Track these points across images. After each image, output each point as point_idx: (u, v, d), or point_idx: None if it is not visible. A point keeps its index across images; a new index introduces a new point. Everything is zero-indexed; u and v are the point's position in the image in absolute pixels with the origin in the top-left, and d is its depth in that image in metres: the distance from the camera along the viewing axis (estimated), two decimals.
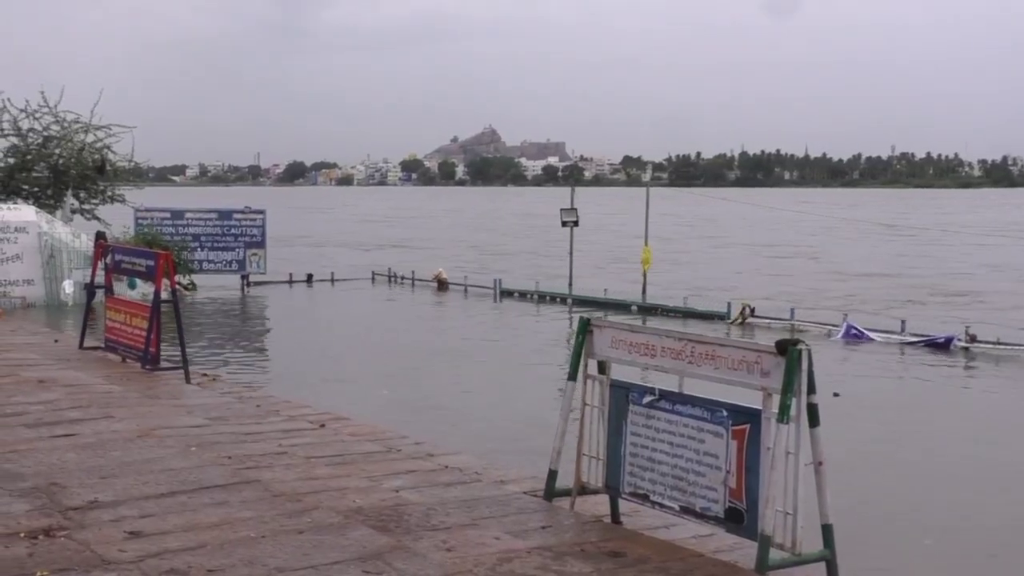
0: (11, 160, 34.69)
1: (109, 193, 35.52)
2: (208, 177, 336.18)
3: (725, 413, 6.19)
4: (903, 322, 26.87)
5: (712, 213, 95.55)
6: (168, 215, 35.72)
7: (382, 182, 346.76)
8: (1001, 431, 17.61)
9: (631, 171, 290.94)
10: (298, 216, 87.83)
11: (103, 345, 14.36)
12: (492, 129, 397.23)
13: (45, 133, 34.85)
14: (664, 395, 6.63)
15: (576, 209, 35.82)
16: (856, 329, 26.73)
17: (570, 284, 35.17)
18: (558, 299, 35.04)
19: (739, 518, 6.10)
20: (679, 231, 72.00)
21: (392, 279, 41.22)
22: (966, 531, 11.90)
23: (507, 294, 36.44)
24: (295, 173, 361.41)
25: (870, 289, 39.42)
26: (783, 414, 5.80)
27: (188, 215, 36.07)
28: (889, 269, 47.69)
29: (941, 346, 25.14)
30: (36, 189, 34.57)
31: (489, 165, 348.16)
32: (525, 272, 42.23)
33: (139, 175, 39.53)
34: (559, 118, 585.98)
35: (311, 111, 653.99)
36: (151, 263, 13.32)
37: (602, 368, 7.16)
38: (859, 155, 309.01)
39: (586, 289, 35.27)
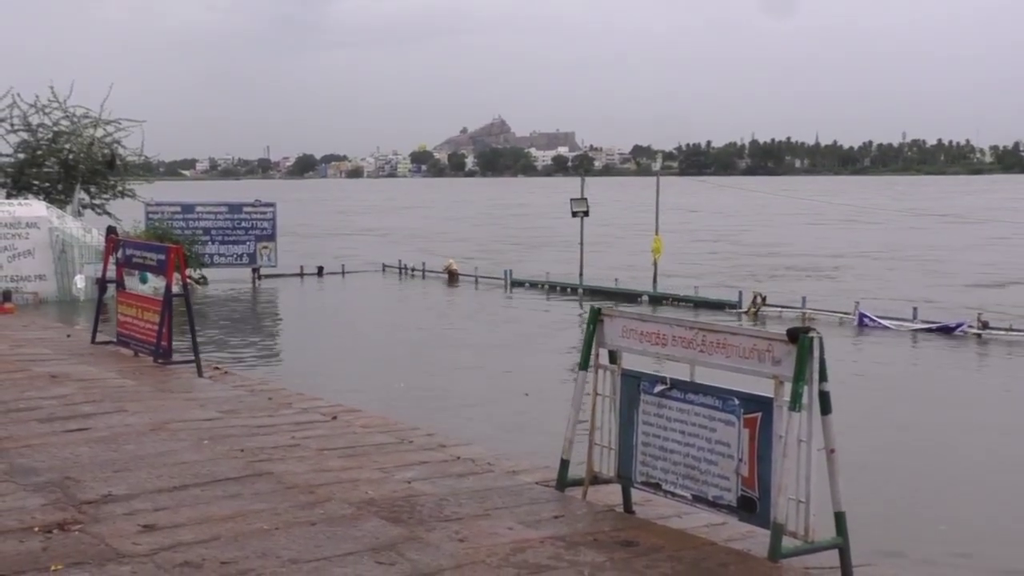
0: (21, 155, 34.78)
1: (119, 188, 35.59)
2: (218, 171, 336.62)
3: (737, 401, 6.18)
4: (915, 309, 26.85)
5: (695, 202, 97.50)
6: (178, 209, 35.84)
7: (392, 174, 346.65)
8: (1013, 416, 17.57)
9: (641, 161, 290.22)
10: (295, 209, 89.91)
11: (115, 339, 14.39)
12: (501, 120, 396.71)
13: (55, 128, 34.91)
14: (675, 384, 6.62)
15: (586, 199, 35.83)
16: (868, 317, 26.72)
17: (580, 274, 35.16)
18: (568, 289, 35.04)
19: (751, 506, 6.08)
20: (636, 217, 75.54)
21: (402, 271, 41.25)
22: (979, 518, 11.88)
23: (517, 285, 36.45)
24: (305, 166, 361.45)
25: (745, 265, 43.56)
26: (795, 402, 5.78)
27: (198, 209, 36.19)
28: (786, 249, 52.07)
29: (951, 330, 25.22)
30: (47, 184, 34.66)
31: (499, 156, 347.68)
32: (492, 260, 42.67)
33: (149, 169, 39.68)
34: (569, 109, 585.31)
35: (320, 104, 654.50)
36: (162, 257, 13.35)
37: (613, 358, 7.14)
38: (870, 142, 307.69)
39: (596, 279, 35.28)
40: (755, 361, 6.09)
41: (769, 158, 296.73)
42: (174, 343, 13.58)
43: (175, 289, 13.11)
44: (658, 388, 6.70)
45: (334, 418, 10.01)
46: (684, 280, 34.83)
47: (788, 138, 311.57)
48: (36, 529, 6.21)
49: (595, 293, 33.05)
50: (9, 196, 32.01)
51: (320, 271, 40.27)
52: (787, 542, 5.89)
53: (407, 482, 7.51)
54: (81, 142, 34.53)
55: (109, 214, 34.44)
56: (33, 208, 28.09)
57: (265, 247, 36.57)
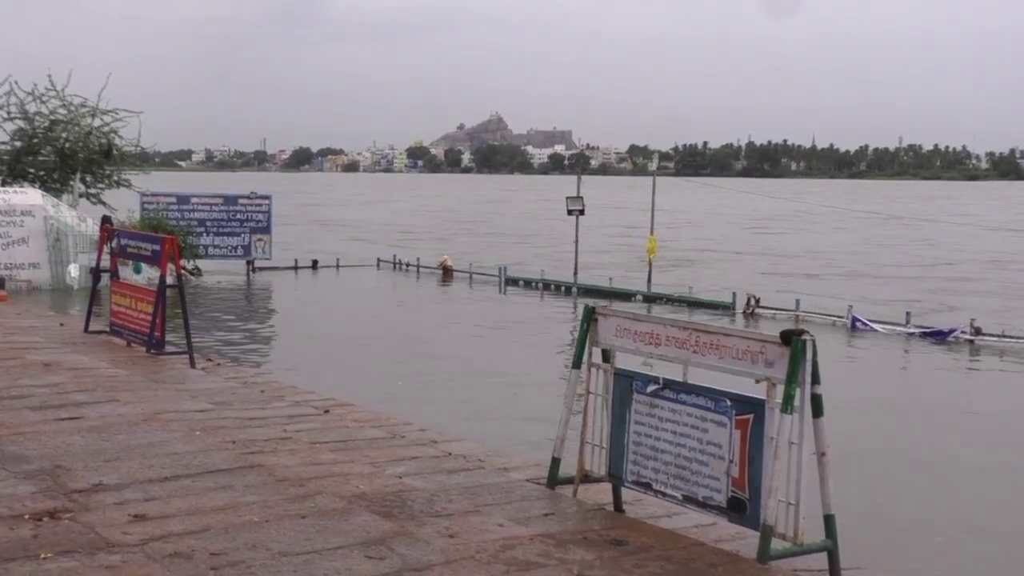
0: (17, 143, 34.68)
1: (115, 177, 35.51)
2: (214, 162, 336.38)
3: (729, 403, 6.18)
4: (908, 314, 26.92)
5: (660, 202, 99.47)
6: (174, 200, 35.75)
7: (388, 169, 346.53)
8: (1006, 425, 17.60)
9: (638, 160, 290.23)
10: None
11: (108, 329, 14.37)
12: (499, 116, 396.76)
13: (52, 117, 34.79)
14: (668, 384, 6.62)
15: (582, 197, 35.81)
16: (860, 321, 26.78)
17: (575, 273, 35.18)
18: (563, 288, 35.06)
19: (741, 508, 6.09)
20: (605, 217, 77.50)
21: (397, 266, 41.26)
22: (969, 524, 11.89)
23: (512, 282, 36.46)
24: (301, 159, 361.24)
25: (626, 257, 46.02)
26: (787, 404, 5.79)
27: (194, 200, 36.11)
28: (675, 244, 54.42)
29: (944, 335, 25.28)
30: (42, 173, 34.57)
31: (495, 152, 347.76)
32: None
33: (145, 160, 39.54)
34: (566, 107, 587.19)
35: (318, 97, 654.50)
36: (156, 248, 13.32)
37: (606, 357, 7.15)
38: (866, 147, 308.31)
39: (591, 278, 35.32)
40: (748, 363, 6.10)
41: (765, 160, 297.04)
42: (167, 334, 13.56)
43: (169, 280, 13.10)
44: (651, 388, 6.71)
45: (326, 412, 10.02)
46: (566, 267, 36.52)
47: (785, 141, 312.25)
48: (26, 517, 6.21)
49: (589, 292, 33.06)
50: (4, 184, 31.91)
51: (315, 264, 40.26)
52: (776, 544, 5.90)
53: (398, 477, 7.51)
54: (78, 131, 34.43)
55: (104, 203, 34.37)
56: (28, 196, 28.01)
57: (260, 239, 36.52)
